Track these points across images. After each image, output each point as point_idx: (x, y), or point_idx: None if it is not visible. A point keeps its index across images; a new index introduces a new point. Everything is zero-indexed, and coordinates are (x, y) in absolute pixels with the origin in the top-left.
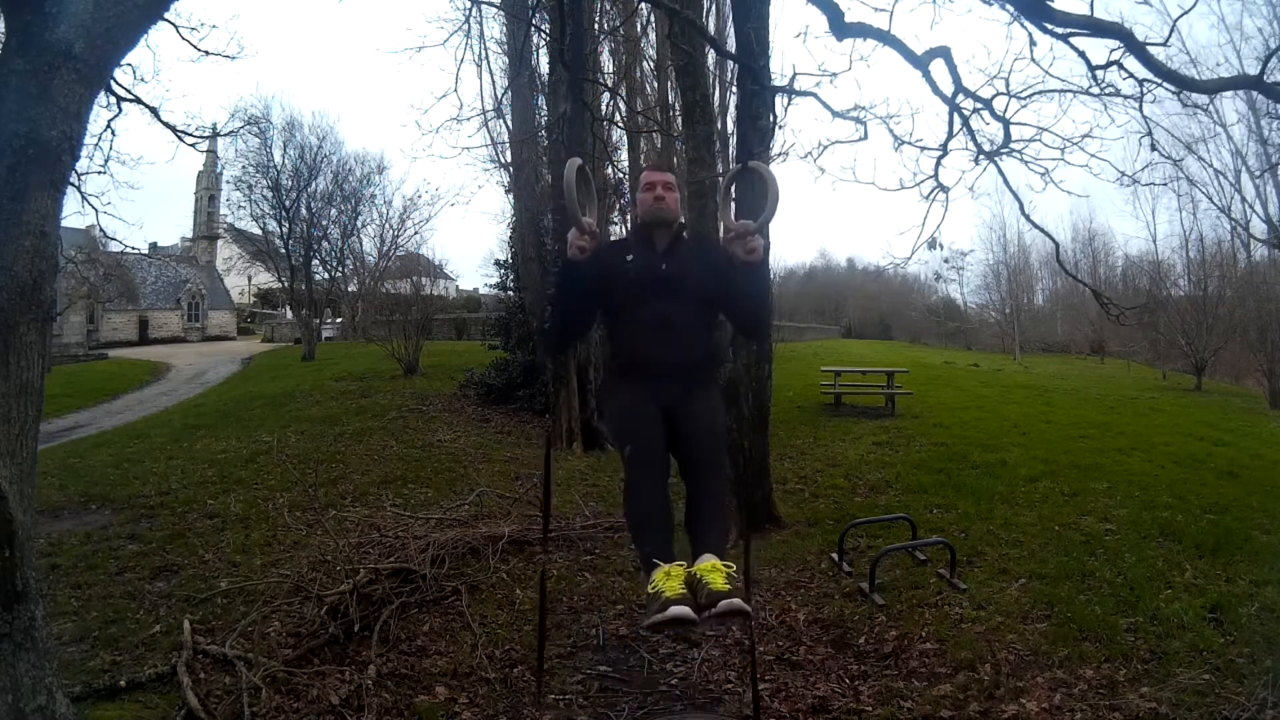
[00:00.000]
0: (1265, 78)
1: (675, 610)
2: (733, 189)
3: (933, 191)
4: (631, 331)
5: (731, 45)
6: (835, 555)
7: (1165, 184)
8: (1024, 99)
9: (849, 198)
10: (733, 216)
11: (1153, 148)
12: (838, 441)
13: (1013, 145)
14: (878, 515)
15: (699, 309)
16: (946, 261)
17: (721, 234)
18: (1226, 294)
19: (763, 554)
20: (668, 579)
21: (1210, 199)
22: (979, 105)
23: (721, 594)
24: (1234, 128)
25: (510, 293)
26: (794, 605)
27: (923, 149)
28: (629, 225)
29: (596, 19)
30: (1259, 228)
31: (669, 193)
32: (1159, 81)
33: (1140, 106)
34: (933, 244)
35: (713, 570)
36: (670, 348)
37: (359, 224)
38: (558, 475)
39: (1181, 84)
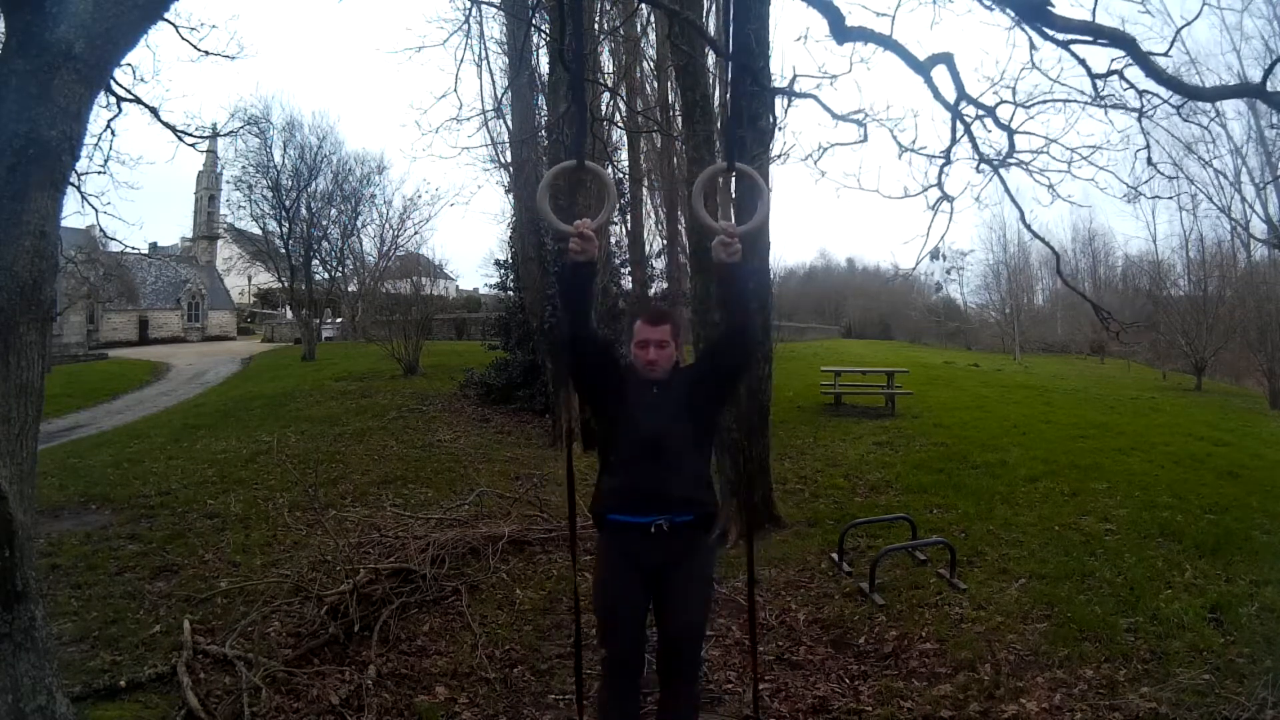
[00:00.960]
0: (1267, 86)
1: None
2: (731, 188)
3: (938, 201)
4: (622, 451)
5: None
6: (835, 555)
7: (1171, 198)
8: (1028, 107)
9: (849, 198)
10: (706, 214)
11: (1149, 161)
12: (838, 441)
13: (1019, 157)
14: (878, 515)
15: (693, 427)
16: (950, 273)
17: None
18: (1226, 294)
19: (763, 554)
20: None
21: (1210, 199)
22: (981, 112)
23: None
24: (1232, 124)
25: (510, 293)
26: (794, 605)
27: (929, 158)
28: (627, 229)
29: (596, 19)
30: (1259, 228)
31: (662, 352)
32: (1160, 92)
33: (1140, 118)
34: (935, 254)
35: None
36: (661, 473)
37: (359, 224)
38: (557, 475)
39: (1184, 92)
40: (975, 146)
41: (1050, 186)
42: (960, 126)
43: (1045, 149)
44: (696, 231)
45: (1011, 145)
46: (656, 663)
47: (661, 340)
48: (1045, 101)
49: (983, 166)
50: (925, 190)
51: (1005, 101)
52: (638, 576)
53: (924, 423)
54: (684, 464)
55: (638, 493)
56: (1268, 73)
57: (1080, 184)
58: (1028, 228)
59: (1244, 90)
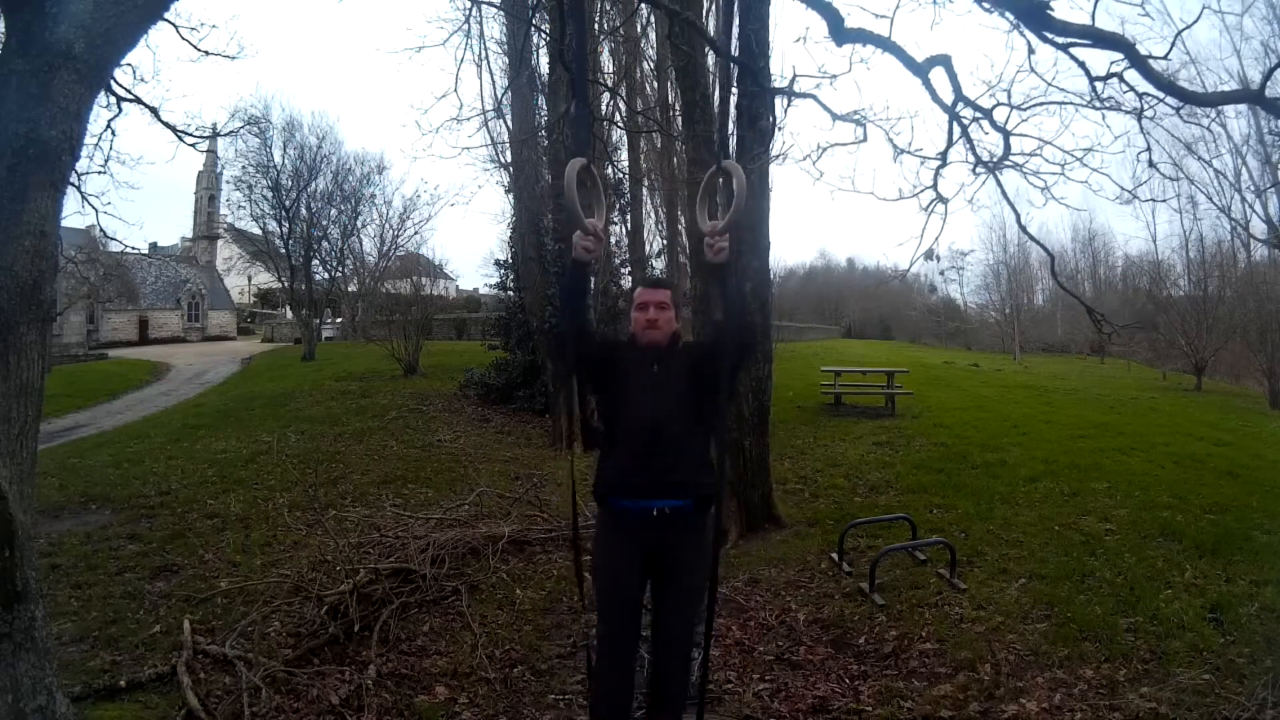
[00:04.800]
0: (1266, 93)
1: None
2: (717, 191)
3: (931, 203)
4: (624, 434)
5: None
6: (835, 555)
7: (1165, 200)
8: (1025, 110)
9: (849, 199)
10: (704, 219)
11: (1150, 163)
12: (838, 441)
13: (1013, 158)
14: (878, 515)
15: (692, 409)
16: (943, 274)
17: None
18: (1226, 294)
19: (763, 554)
20: None
21: (1210, 199)
22: (979, 115)
23: None
24: (1232, 124)
25: (510, 293)
26: (794, 605)
27: (923, 160)
28: (627, 229)
29: (596, 19)
30: (1259, 228)
31: (662, 313)
32: (1160, 96)
33: (1140, 121)
34: (929, 255)
35: None
36: (661, 456)
37: (359, 224)
38: (557, 475)
39: (1183, 97)
40: (972, 148)
41: (1045, 189)
42: (958, 128)
43: (1039, 151)
44: (696, 232)
45: (1007, 147)
46: (652, 629)
47: (661, 302)
48: (1043, 103)
49: (979, 169)
50: (920, 192)
51: (1002, 104)
52: (636, 556)
53: (924, 423)
54: (684, 447)
55: (638, 475)
56: (1266, 78)
57: (1079, 187)
58: (1023, 230)
59: (1243, 96)
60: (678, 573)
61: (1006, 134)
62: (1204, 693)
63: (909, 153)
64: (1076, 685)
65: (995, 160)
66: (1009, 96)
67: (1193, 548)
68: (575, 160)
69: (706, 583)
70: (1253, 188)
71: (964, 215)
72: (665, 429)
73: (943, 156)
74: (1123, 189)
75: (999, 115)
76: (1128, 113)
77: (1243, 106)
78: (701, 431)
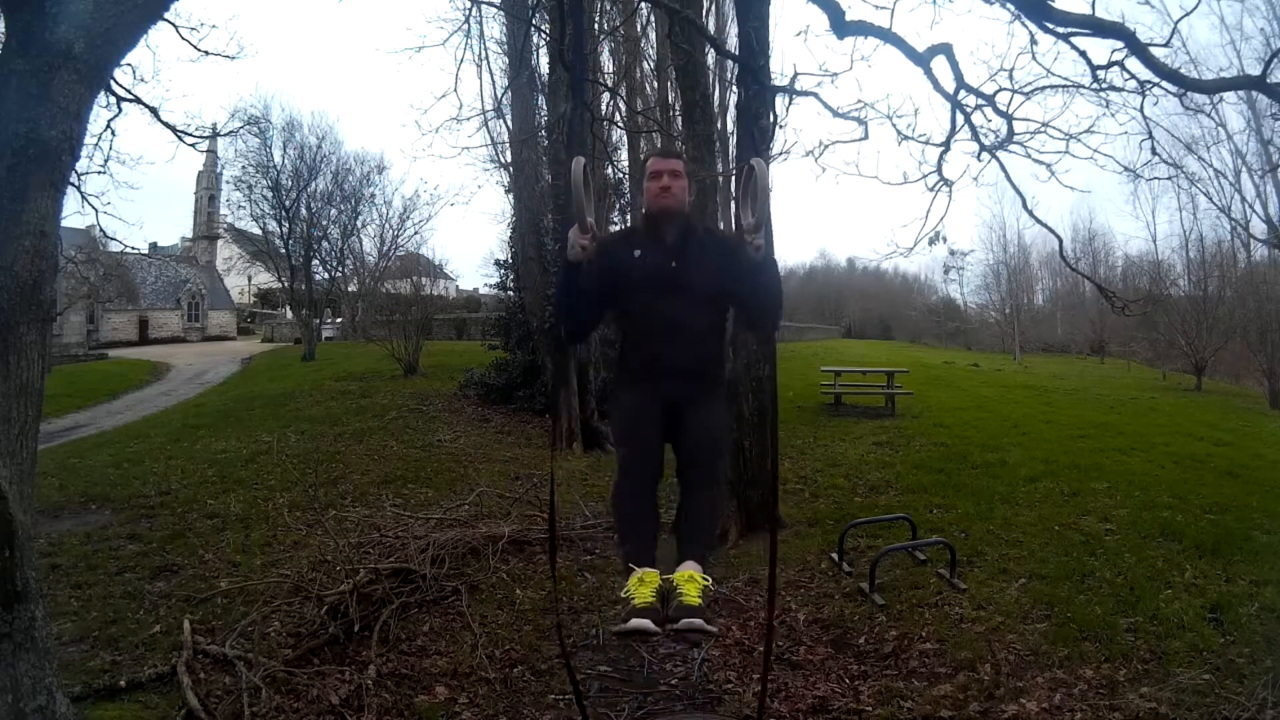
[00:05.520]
0: (1267, 79)
1: (635, 623)
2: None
3: (937, 184)
4: (639, 332)
5: (732, 44)
6: (835, 555)
7: (1169, 178)
8: (1027, 93)
9: (849, 197)
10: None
11: (1153, 150)
12: (838, 441)
13: (1017, 138)
14: (878, 515)
15: (708, 309)
16: (952, 254)
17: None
18: (1226, 294)
19: (763, 554)
20: (640, 585)
21: (1210, 199)
22: (981, 102)
23: (688, 609)
24: (1232, 124)
25: (510, 293)
26: (794, 605)
27: (926, 144)
28: (635, 215)
29: (596, 19)
30: (1259, 228)
31: (676, 181)
32: (1160, 82)
33: (1141, 108)
34: (935, 238)
35: (688, 581)
36: (677, 350)
37: (359, 224)
38: (558, 475)
39: (1183, 84)
40: (975, 135)
41: (1049, 166)
42: (960, 116)
43: (1044, 129)
44: (707, 226)
45: (1010, 131)
46: (678, 477)
47: (674, 170)
48: (1045, 88)
49: (982, 155)
50: (925, 177)
51: (1004, 89)
52: (657, 403)
53: (924, 423)
54: (698, 341)
55: (655, 368)
56: (1267, 65)
57: (1081, 172)
58: (1029, 213)
59: (1243, 82)
60: (697, 412)
61: (1009, 118)
62: (1204, 693)
63: (912, 138)
64: (1076, 685)
65: (999, 141)
66: (1012, 79)
67: (1193, 548)
68: (578, 158)
69: (727, 425)
70: (1253, 181)
71: (965, 216)
72: (682, 324)
73: (946, 143)
74: (1126, 168)
75: (1001, 100)
76: (1131, 92)
77: (1243, 106)
78: (714, 328)
